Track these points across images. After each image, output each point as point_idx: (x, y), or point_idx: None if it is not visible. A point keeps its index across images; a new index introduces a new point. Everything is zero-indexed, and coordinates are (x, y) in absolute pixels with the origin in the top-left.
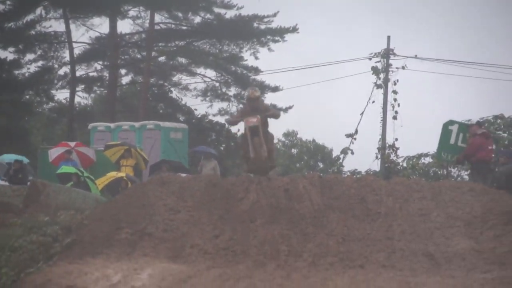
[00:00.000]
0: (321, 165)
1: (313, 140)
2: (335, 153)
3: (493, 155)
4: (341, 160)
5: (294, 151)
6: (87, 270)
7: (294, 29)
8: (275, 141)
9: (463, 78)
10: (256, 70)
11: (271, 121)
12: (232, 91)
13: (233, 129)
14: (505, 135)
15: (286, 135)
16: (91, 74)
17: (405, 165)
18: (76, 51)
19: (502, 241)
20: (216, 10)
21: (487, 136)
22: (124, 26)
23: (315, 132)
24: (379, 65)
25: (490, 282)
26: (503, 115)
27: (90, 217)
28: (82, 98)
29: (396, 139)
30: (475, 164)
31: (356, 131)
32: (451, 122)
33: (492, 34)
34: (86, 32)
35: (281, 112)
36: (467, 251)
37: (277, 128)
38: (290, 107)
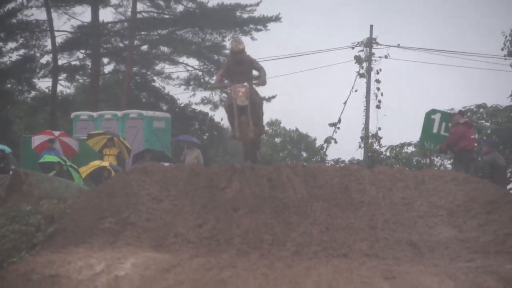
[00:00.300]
0: (304, 154)
1: (297, 130)
2: (319, 142)
3: (475, 144)
4: (324, 149)
5: (277, 140)
6: (70, 259)
7: (276, 18)
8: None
9: (446, 67)
10: None
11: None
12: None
13: (217, 117)
14: (488, 124)
15: (270, 124)
16: (73, 63)
17: (388, 154)
18: (58, 40)
19: (485, 230)
20: None
21: (470, 125)
22: (106, 15)
23: (298, 121)
24: (362, 54)
25: (473, 271)
26: (485, 104)
27: (73, 206)
28: (64, 87)
29: (379, 128)
30: (457, 153)
31: (339, 120)
32: (434, 111)
33: (474, 23)
34: (68, 20)
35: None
36: (450, 240)
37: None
38: (273, 97)
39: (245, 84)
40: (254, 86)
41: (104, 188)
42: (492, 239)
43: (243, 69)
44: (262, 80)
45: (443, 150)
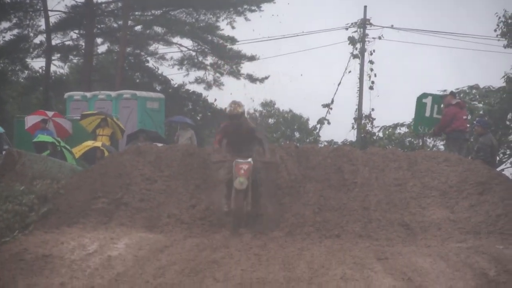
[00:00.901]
0: (297, 135)
1: (290, 110)
2: (312, 123)
3: (468, 125)
4: (317, 130)
5: (271, 121)
6: (63, 239)
7: None
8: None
9: (439, 48)
10: (233, 40)
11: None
12: (209, 60)
13: (210, 98)
14: (480, 105)
15: (264, 105)
16: (67, 43)
17: (381, 135)
18: (52, 20)
19: (477, 210)
20: None
21: (462, 106)
22: None
23: (292, 102)
24: (356, 35)
25: (465, 251)
26: (478, 86)
27: (66, 186)
28: (58, 67)
29: (373, 109)
30: (450, 134)
31: (333, 101)
32: (424, 95)
33: (467, 3)
34: (61, 0)
35: (269, 142)
36: (443, 221)
37: (255, 98)
38: (267, 77)
39: (249, 160)
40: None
41: (98, 168)
42: (483, 219)
43: (244, 136)
44: (267, 158)
45: (436, 133)
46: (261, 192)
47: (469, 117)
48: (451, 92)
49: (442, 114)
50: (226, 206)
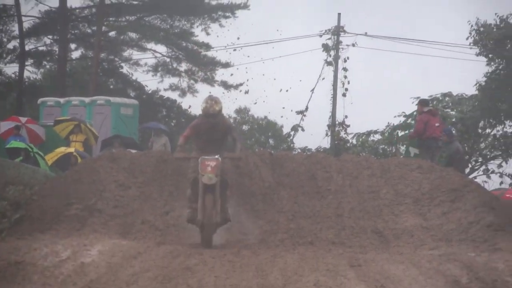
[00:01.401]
0: (272, 142)
1: (265, 117)
2: (286, 129)
3: (440, 132)
4: (291, 137)
5: (245, 127)
6: (36, 246)
7: (245, 6)
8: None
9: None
10: (207, 46)
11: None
12: (183, 66)
13: (184, 104)
14: (453, 112)
15: (238, 111)
16: (40, 48)
17: (355, 142)
18: (26, 25)
19: (449, 218)
20: None
21: (433, 113)
22: (74, 0)
23: (267, 109)
24: (330, 42)
25: (437, 258)
26: (451, 93)
27: (40, 192)
28: (31, 72)
29: (346, 116)
30: (423, 141)
31: (307, 108)
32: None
33: (440, 12)
34: (35, 5)
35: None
36: (415, 228)
37: (229, 106)
38: (241, 84)
39: (217, 157)
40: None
41: (71, 174)
42: (455, 227)
43: (217, 137)
44: (236, 154)
45: (412, 137)
46: (227, 197)
47: (442, 124)
48: (420, 100)
49: (415, 121)
50: (190, 211)
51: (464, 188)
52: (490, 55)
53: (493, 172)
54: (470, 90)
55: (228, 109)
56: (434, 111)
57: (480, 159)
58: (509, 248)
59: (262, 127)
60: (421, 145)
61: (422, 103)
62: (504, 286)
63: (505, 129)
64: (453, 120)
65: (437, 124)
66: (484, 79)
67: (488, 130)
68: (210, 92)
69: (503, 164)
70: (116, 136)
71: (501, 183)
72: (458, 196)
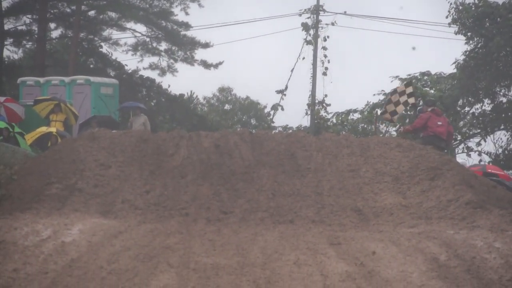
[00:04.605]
0: (254, 121)
1: (247, 97)
2: (268, 109)
3: (445, 132)
4: (271, 116)
5: (227, 107)
6: (17, 225)
7: None
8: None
9: (392, 35)
10: (187, 26)
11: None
12: (163, 46)
13: (164, 84)
14: (432, 91)
15: (221, 90)
16: (19, 27)
17: (334, 121)
18: (4, 4)
19: (428, 196)
20: None
21: (437, 113)
22: None
23: (249, 88)
24: (309, 21)
25: (416, 236)
26: (429, 72)
27: (20, 172)
28: (11, 52)
29: (326, 95)
30: (424, 138)
31: (286, 87)
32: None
33: None
34: None
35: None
36: (395, 206)
37: (211, 83)
38: (221, 63)
39: None
40: None
41: (51, 154)
42: (435, 205)
43: None
44: None
45: (407, 130)
46: None
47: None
48: (426, 101)
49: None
50: None
51: (443, 166)
52: (469, 34)
53: (472, 150)
54: (449, 68)
55: (212, 87)
56: (438, 111)
57: (459, 137)
58: (487, 226)
59: (244, 106)
60: (424, 142)
61: (427, 103)
62: (482, 263)
63: (483, 107)
64: (432, 98)
65: (439, 123)
66: (463, 57)
67: (467, 109)
68: None
69: (482, 142)
70: (93, 117)
71: (480, 160)
72: (437, 174)
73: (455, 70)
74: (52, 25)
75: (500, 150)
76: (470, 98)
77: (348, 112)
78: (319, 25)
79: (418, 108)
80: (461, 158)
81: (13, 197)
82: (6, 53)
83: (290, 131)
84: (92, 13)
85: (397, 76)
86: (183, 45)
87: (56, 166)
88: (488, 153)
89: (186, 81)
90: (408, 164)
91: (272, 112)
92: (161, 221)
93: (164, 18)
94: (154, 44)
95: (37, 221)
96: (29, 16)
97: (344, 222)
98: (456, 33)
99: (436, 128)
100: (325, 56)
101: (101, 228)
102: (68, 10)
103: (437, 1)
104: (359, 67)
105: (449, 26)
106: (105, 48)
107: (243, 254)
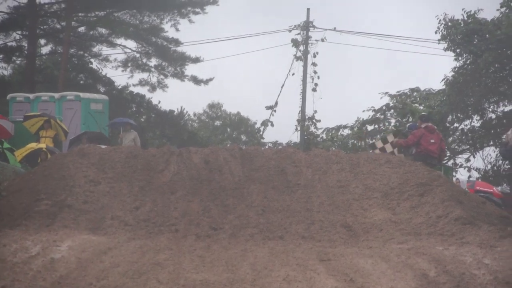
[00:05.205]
0: (244, 137)
1: (238, 113)
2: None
3: (437, 150)
4: (261, 132)
5: (217, 123)
6: (5, 242)
7: (214, 1)
8: None
9: (382, 51)
10: (177, 42)
11: (195, 91)
12: (153, 61)
13: (154, 100)
14: (422, 107)
15: (211, 106)
16: (9, 43)
17: (324, 137)
18: None
19: (417, 212)
20: None
21: (430, 130)
22: None
23: (239, 104)
24: (299, 38)
25: (406, 252)
26: (419, 88)
27: (9, 188)
28: (1, 68)
29: (316, 111)
30: (416, 155)
31: (276, 103)
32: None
33: (410, 7)
34: (4, 1)
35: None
36: (384, 222)
37: (202, 99)
38: (211, 79)
39: None
40: None
41: (41, 170)
42: (424, 221)
43: None
44: None
45: (400, 144)
46: None
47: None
48: (421, 116)
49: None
50: None
51: (432, 182)
52: (457, 50)
53: (461, 166)
54: (438, 85)
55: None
56: (432, 127)
57: (448, 154)
58: (476, 242)
59: (235, 122)
60: (415, 159)
61: (422, 118)
62: (471, 279)
63: (472, 124)
64: (426, 114)
65: (432, 141)
66: (452, 73)
67: (456, 125)
68: None
69: (471, 158)
70: (84, 133)
71: (469, 177)
72: (426, 190)
73: (444, 86)
74: (42, 41)
75: (489, 166)
76: (459, 114)
77: (338, 128)
78: (309, 41)
79: (408, 124)
80: (461, 174)
81: (2, 214)
82: None
83: (280, 147)
84: (82, 29)
85: (386, 92)
86: (173, 61)
87: (45, 182)
88: (477, 169)
89: (176, 97)
90: (397, 180)
91: (262, 128)
92: (150, 238)
93: (154, 34)
94: (144, 60)
95: (26, 238)
96: (19, 32)
97: (334, 238)
98: (445, 50)
99: (428, 146)
100: (315, 72)
101: (90, 245)
102: (58, 26)
103: (426, 17)
104: (349, 83)
105: (439, 43)
106: (95, 64)
107: (233, 270)
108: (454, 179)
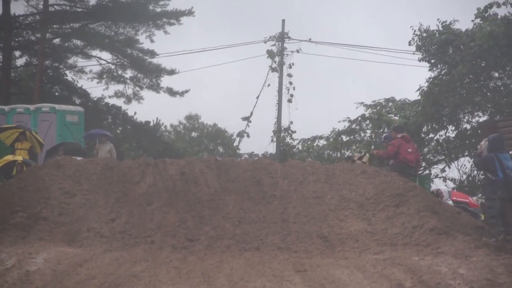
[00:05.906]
0: (221, 149)
1: (215, 125)
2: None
3: (412, 159)
4: (237, 143)
5: (194, 134)
6: None
7: (190, 12)
8: None
9: (356, 62)
10: (152, 53)
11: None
12: (128, 73)
13: (130, 112)
14: (397, 118)
15: (188, 118)
16: None
17: (300, 147)
18: None
19: (393, 222)
20: None
21: (407, 140)
22: (18, 7)
23: (216, 116)
24: (274, 49)
25: (381, 262)
26: (394, 98)
27: None
28: None
29: (291, 122)
30: (394, 166)
31: (251, 114)
32: None
33: (384, 18)
34: None
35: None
36: (360, 233)
37: (178, 111)
38: (187, 91)
39: None
40: None
41: (16, 182)
42: (400, 231)
43: None
44: None
45: (379, 156)
46: None
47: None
48: (395, 127)
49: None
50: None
51: (408, 193)
52: (432, 61)
53: (436, 176)
54: (413, 95)
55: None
56: (408, 137)
57: (423, 164)
58: (451, 252)
59: (211, 134)
60: (393, 170)
61: (396, 129)
62: None
63: (448, 134)
64: (400, 124)
65: (410, 150)
66: (427, 84)
67: (431, 135)
68: None
69: (446, 168)
70: (61, 144)
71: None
72: (402, 201)
73: (419, 97)
74: (17, 53)
75: (464, 177)
76: (434, 125)
77: (314, 138)
78: (284, 52)
79: (384, 135)
80: (436, 185)
81: None
82: None
83: (256, 158)
84: (57, 41)
85: (362, 103)
86: (148, 73)
87: (20, 194)
88: (453, 180)
89: (152, 108)
90: (373, 190)
91: (238, 139)
92: (126, 249)
93: (130, 45)
94: (120, 72)
95: (1, 250)
96: None
97: (310, 249)
98: (420, 60)
99: (406, 155)
100: (290, 83)
101: (66, 257)
102: (33, 38)
103: (401, 28)
104: (324, 94)
105: (413, 54)
106: (70, 76)
107: (209, 281)
108: (435, 189)
